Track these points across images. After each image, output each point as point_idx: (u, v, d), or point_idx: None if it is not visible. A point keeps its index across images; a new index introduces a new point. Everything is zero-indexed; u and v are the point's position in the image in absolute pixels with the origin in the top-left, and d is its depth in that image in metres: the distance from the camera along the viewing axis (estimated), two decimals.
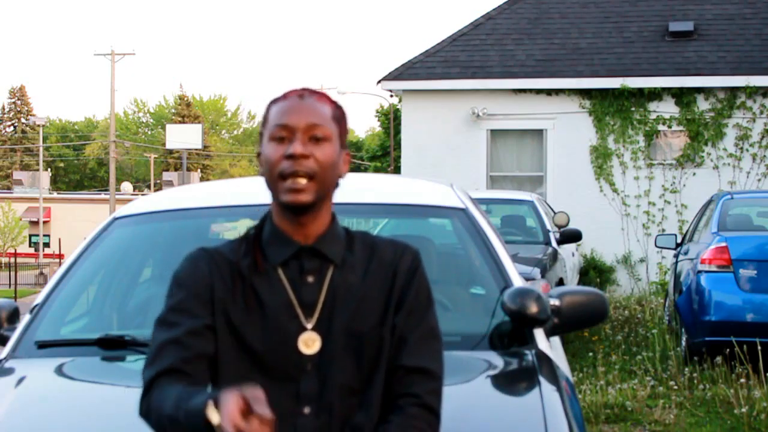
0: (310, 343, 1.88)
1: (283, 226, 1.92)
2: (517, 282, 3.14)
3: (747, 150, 15.38)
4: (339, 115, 1.95)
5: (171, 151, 65.26)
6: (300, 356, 1.87)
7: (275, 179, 1.87)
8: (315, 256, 1.92)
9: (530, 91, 15.79)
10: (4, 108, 78.59)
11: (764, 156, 15.40)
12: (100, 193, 61.66)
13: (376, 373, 1.91)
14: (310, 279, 1.91)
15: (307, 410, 1.86)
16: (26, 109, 78.36)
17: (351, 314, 1.91)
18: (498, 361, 2.81)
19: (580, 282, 13.42)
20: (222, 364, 1.88)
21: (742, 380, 7.14)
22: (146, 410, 1.85)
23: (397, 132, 33.24)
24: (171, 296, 1.93)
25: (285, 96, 1.93)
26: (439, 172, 15.21)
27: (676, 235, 10.88)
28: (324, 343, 1.88)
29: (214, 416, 1.62)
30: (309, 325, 1.89)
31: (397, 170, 34.16)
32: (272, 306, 1.89)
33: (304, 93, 1.92)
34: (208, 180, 56.00)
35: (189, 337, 1.86)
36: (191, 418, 1.68)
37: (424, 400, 1.88)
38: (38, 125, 51.95)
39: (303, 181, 1.84)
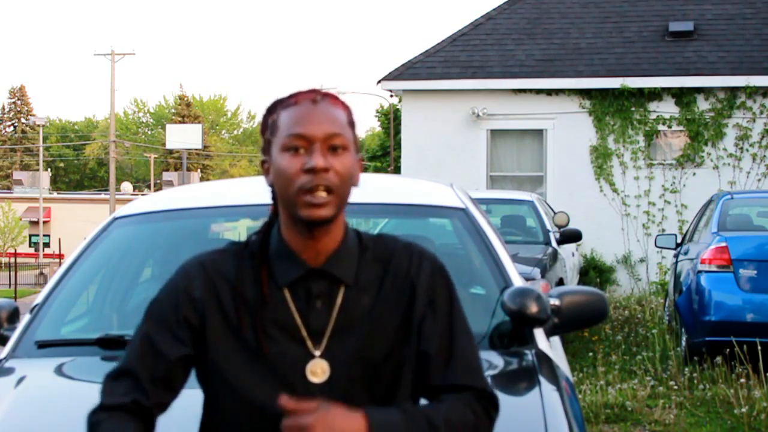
0: (318, 371, 1.76)
1: (293, 241, 1.78)
2: (517, 282, 3.14)
3: (747, 150, 15.38)
4: (352, 120, 1.83)
5: (171, 151, 65.27)
6: (308, 385, 1.75)
7: (293, 194, 1.72)
8: (324, 278, 1.78)
9: (530, 91, 15.79)
10: (4, 108, 78.59)
11: (764, 156, 15.40)
12: (100, 193, 61.66)
13: (395, 397, 1.80)
14: (319, 304, 1.77)
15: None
16: (26, 109, 78.35)
17: (364, 340, 1.78)
18: (498, 360, 2.81)
19: (580, 282, 13.42)
20: (230, 377, 1.78)
21: (742, 380, 7.14)
22: None
23: (397, 132, 33.24)
24: (148, 318, 1.82)
25: (296, 100, 1.79)
26: (439, 172, 15.21)
27: (676, 235, 10.88)
28: (334, 371, 1.76)
29: None
30: (317, 353, 1.76)
31: (397, 170, 34.15)
32: (276, 332, 1.76)
33: (316, 97, 1.78)
34: (208, 180, 55.99)
35: (148, 383, 1.76)
36: None
37: (482, 390, 1.80)
38: (38, 125, 51.96)
39: (324, 195, 1.71)
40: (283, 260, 1.78)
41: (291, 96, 1.81)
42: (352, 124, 1.82)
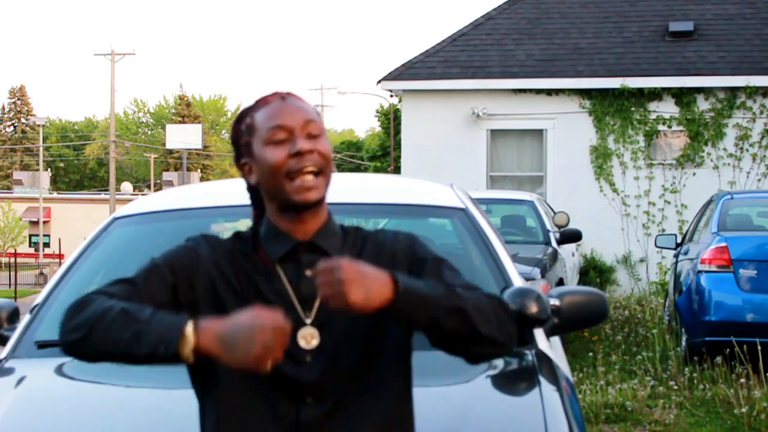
0: (309, 338, 1.86)
1: (282, 224, 1.91)
2: (517, 282, 3.14)
3: (747, 150, 15.37)
4: (318, 112, 1.96)
5: (171, 151, 65.26)
6: (299, 350, 1.85)
7: (282, 180, 1.85)
8: (312, 251, 1.90)
9: (530, 91, 15.78)
10: (4, 108, 78.57)
11: (764, 156, 15.39)
12: (100, 193, 61.64)
13: (382, 354, 1.89)
14: (308, 273, 1.88)
15: (309, 399, 1.85)
16: (26, 109, 78.33)
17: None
18: (498, 361, 2.81)
19: (580, 282, 13.42)
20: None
21: (742, 380, 7.13)
22: (73, 319, 1.89)
23: (397, 132, 33.23)
24: (167, 256, 1.95)
25: (266, 101, 1.92)
26: (439, 172, 15.20)
27: (676, 235, 10.88)
28: (324, 337, 1.86)
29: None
30: (308, 320, 1.87)
31: (397, 170, 34.15)
32: (271, 302, 1.86)
33: (284, 95, 1.93)
34: (208, 180, 55.99)
35: (143, 281, 1.92)
36: (163, 332, 1.69)
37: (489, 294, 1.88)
38: (38, 125, 51.93)
39: (311, 178, 1.84)
40: (274, 239, 1.91)
41: (259, 100, 1.94)
42: (319, 114, 1.94)
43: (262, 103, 1.92)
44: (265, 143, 1.87)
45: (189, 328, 1.69)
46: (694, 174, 15.47)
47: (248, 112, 1.94)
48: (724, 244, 8.10)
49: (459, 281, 1.88)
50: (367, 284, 1.67)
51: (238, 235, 1.98)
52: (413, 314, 1.73)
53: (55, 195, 58.54)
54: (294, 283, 1.89)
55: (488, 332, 1.82)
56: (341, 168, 55.96)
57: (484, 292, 1.85)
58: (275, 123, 1.87)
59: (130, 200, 4.32)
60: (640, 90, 15.43)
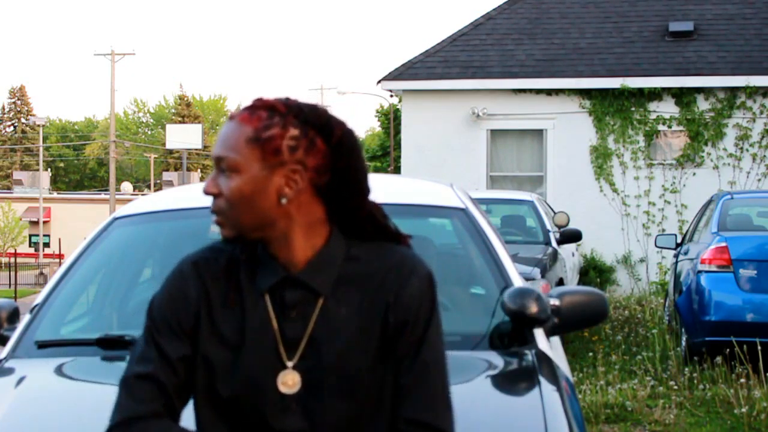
0: (289, 382, 1.71)
1: (272, 250, 1.78)
2: (517, 282, 3.14)
3: (747, 150, 15.37)
4: (268, 133, 1.71)
5: (171, 151, 65.27)
6: (280, 396, 1.72)
7: None
8: (301, 286, 1.74)
9: (530, 91, 15.79)
10: (4, 108, 78.59)
11: (764, 156, 15.39)
12: (100, 193, 61.65)
13: (377, 418, 1.75)
14: (293, 314, 1.73)
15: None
16: (26, 109, 78.37)
17: (341, 352, 1.73)
18: (498, 361, 2.81)
19: (580, 282, 13.42)
20: (197, 392, 1.77)
21: (742, 380, 7.13)
22: None
23: (397, 132, 33.24)
24: (148, 321, 1.81)
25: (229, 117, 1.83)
26: (439, 172, 15.20)
27: (676, 235, 10.87)
28: (308, 382, 1.71)
29: None
30: (290, 364, 1.72)
31: (397, 170, 34.14)
32: (256, 337, 1.74)
33: (233, 114, 1.77)
34: None
35: (161, 372, 1.74)
36: None
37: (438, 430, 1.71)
38: (38, 125, 51.97)
39: (217, 217, 1.74)
40: (265, 264, 1.77)
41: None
42: (264, 139, 1.71)
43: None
44: None
45: None
46: (694, 174, 15.47)
47: None
48: (724, 244, 8.10)
49: (433, 377, 1.74)
50: None
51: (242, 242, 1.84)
52: None
53: (55, 195, 58.56)
54: (280, 320, 1.74)
55: None
56: None
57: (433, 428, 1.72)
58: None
59: (130, 200, 4.33)
60: (640, 90, 15.43)
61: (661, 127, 15.56)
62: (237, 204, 1.71)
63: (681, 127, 15.51)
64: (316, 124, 1.74)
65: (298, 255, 1.74)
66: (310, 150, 1.72)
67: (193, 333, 1.77)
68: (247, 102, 1.78)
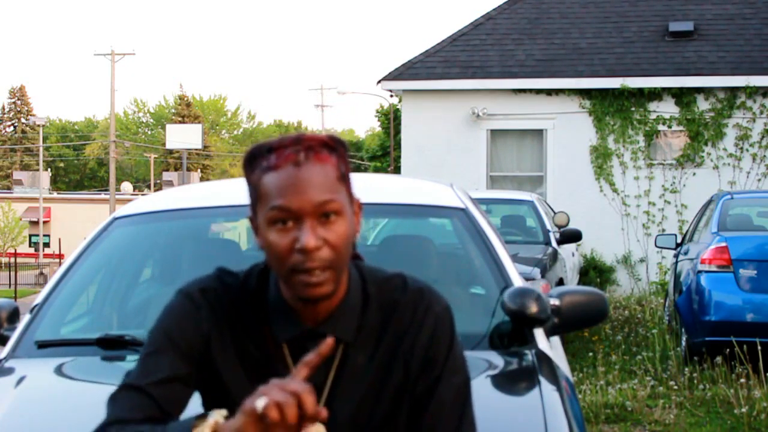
0: None
1: (291, 300, 1.66)
2: (517, 282, 3.14)
3: (747, 150, 15.37)
4: (343, 166, 1.64)
5: (171, 151, 65.25)
6: None
7: (287, 273, 1.59)
8: (323, 336, 1.64)
9: (530, 91, 15.79)
10: (4, 108, 78.57)
11: (764, 156, 15.39)
12: (100, 193, 61.64)
13: None
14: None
15: None
16: (26, 109, 78.32)
17: (357, 403, 1.69)
18: (498, 360, 2.81)
19: (580, 282, 13.42)
20: None
21: (742, 380, 7.13)
22: None
23: (397, 132, 33.23)
24: (148, 340, 1.72)
25: (277, 164, 1.60)
26: (439, 172, 15.20)
27: (676, 235, 10.88)
28: (332, 430, 1.63)
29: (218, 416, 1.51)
30: None
31: (397, 170, 34.15)
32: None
33: (299, 157, 1.59)
34: (208, 180, 55.99)
35: (154, 387, 1.65)
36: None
37: None
38: (38, 125, 51.94)
39: (319, 273, 1.57)
40: (281, 316, 1.67)
41: (271, 153, 1.62)
42: (344, 173, 1.64)
43: (273, 162, 1.60)
44: (267, 222, 1.59)
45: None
46: (694, 174, 15.47)
47: (258, 161, 1.64)
48: (724, 244, 8.10)
49: (452, 415, 1.69)
50: None
51: (245, 281, 1.73)
52: None
53: (55, 195, 58.55)
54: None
55: None
56: None
57: None
58: (279, 203, 1.57)
59: (130, 200, 4.32)
60: (640, 90, 15.43)
61: (661, 127, 15.56)
62: (343, 249, 1.59)
63: (681, 127, 15.52)
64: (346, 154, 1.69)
65: (329, 306, 1.66)
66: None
67: (201, 358, 1.70)
68: (292, 139, 1.62)
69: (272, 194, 1.58)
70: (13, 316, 3.21)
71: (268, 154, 1.62)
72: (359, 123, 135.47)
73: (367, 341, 1.70)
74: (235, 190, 3.69)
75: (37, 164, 62.91)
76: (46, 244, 51.23)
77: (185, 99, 76.28)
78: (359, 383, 1.69)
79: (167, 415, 1.64)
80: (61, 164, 78.46)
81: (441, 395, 1.69)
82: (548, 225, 10.55)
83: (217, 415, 1.53)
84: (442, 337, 1.70)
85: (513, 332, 2.91)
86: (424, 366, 1.68)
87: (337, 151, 1.64)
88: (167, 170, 67.54)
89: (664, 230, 15.26)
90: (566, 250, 10.92)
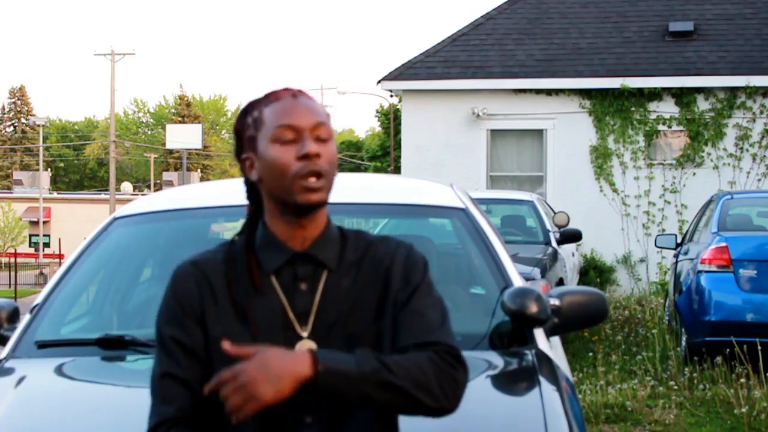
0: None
1: (279, 230, 1.87)
2: (517, 282, 3.14)
3: (747, 150, 15.37)
4: (328, 114, 1.92)
5: (171, 151, 65.26)
6: None
7: (290, 181, 1.81)
8: (309, 262, 1.87)
9: (530, 91, 15.78)
10: (4, 108, 78.58)
11: (764, 156, 15.39)
12: (100, 193, 61.63)
13: None
14: (303, 286, 1.86)
15: (309, 419, 1.81)
16: (26, 109, 78.35)
17: (345, 317, 1.86)
18: (498, 360, 2.81)
19: (580, 282, 13.41)
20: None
21: (742, 380, 7.13)
22: None
23: (397, 132, 33.23)
24: (164, 314, 1.89)
25: (276, 96, 1.88)
26: (439, 172, 15.21)
27: (676, 235, 10.87)
28: (320, 346, 1.82)
29: None
30: (305, 334, 1.84)
31: (397, 170, 34.15)
32: (266, 316, 1.84)
33: (295, 92, 1.88)
34: (208, 180, 55.98)
35: (188, 371, 1.84)
36: None
37: (441, 343, 1.80)
38: (38, 125, 51.96)
39: (314, 180, 1.80)
40: (270, 249, 1.88)
41: (269, 94, 1.91)
42: (329, 117, 1.90)
43: (272, 97, 1.88)
44: (272, 141, 1.83)
45: None
46: (694, 174, 15.47)
47: (256, 105, 1.90)
48: (724, 244, 8.10)
49: (434, 315, 1.84)
50: (275, 373, 1.63)
51: (232, 242, 1.93)
52: (340, 391, 1.69)
53: (55, 195, 58.56)
54: (289, 296, 1.86)
55: (427, 401, 1.74)
56: (341, 168, 55.76)
57: (436, 342, 1.79)
58: (285, 122, 1.83)
59: (130, 200, 4.32)
60: (640, 90, 15.43)
61: (661, 127, 15.56)
62: (334, 167, 1.86)
63: (681, 127, 15.51)
64: None
65: (314, 231, 1.88)
66: None
67: (202, 321, 1.86)
68: (292, 88, 1.90)
69: (276, 117, 1.84)
70: (13, 316, 3.20)
71: (268, 96, 1.90)
72: (359, 123, 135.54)
73: (350, 268, 1.91)
74: (235, 190, 3.69)
75: (37, 164, 62.91)
76: (46, 244, 51.24)
77: (185, 99, 76.30)
78: (346, 302, 1.88)
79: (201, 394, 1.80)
80: (61, 164, 78.47)
81: (421, 295, 1.87)
82: (548, 225, 10.55)
83: None
84: (417, 263, 1.91)
85: (513, 332, 2.91)
86: (404, 282, 1.88)
87: (325, 108, 1.93)
88: (167, 170, 67.56)
89: (664, 230, 15.26)
90: (566, 250, 10.92)
